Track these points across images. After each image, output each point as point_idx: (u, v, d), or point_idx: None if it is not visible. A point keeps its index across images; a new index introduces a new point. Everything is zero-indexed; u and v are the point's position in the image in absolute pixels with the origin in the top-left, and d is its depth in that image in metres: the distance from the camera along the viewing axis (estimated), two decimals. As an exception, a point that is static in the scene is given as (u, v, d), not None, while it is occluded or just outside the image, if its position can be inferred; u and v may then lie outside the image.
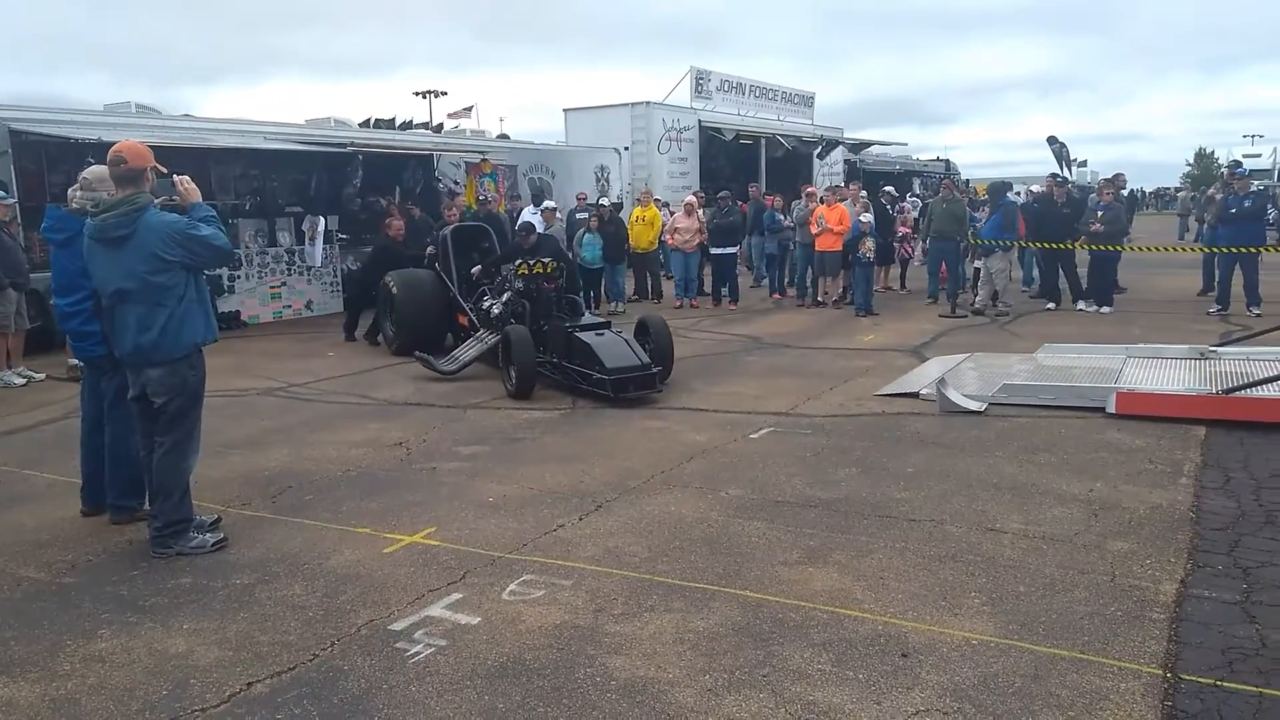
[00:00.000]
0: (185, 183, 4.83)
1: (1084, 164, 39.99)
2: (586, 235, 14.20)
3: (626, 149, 22.30)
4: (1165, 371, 8.15)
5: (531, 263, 9.34)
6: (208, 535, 4.88)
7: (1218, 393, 6.97)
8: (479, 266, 10.55)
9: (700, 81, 25.63)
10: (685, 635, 3.76)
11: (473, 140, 20.90)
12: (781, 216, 15.70)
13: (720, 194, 16.28)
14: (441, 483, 5.90)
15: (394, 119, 35.70)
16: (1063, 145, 27.46)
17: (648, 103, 22.85)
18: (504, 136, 26.33)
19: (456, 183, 17.24)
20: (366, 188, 16.67)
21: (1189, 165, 73.18)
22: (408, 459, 6.50)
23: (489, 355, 9.16)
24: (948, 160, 39.78)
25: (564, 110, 23.87)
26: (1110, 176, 16.51)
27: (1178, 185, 57.86)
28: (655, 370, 8.14)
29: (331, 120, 18.01)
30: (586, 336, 8.31)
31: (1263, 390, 6.91)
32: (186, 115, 16.10)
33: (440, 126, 31.91)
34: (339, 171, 16.32)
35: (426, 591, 4.24)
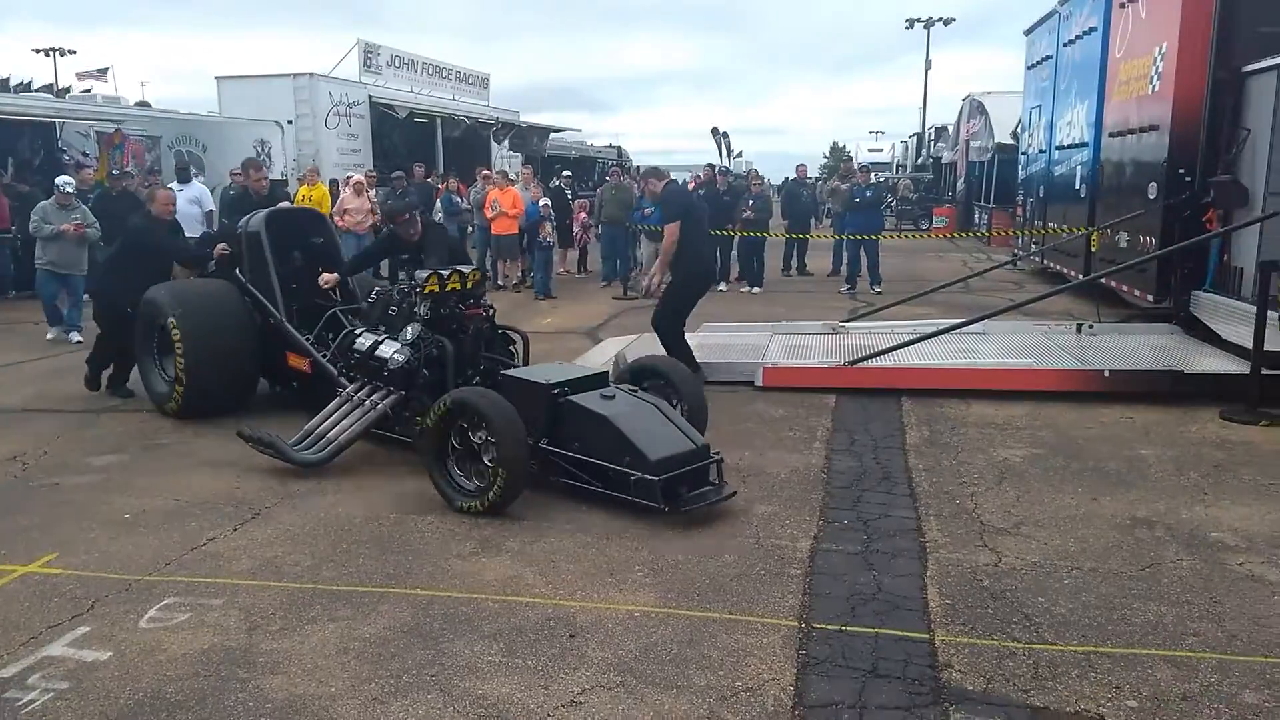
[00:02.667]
0: None
1: (740, 154, 43.36)
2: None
3: (290, 123, 20.91)
4: (804, 346, 9.04)
5: (445, 274, 5.95)
6: None
7: (846, 364, 7.85)
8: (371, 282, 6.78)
9: (369, 55, 24.62)
10: (350, 644, 3.59)
11: (106, 107, 18.57)
12: (458, 199, 15.54)
13: (394, 174, 15.78)
14: (66, 500, 5.19)
15: (8, 79, 31.01)
16: (724, 136, 29.60)
17: (312, 74, 21.53)
18: (144, 104, 23.71)
19: (85, 155, 15.25)
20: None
21: (826, 158, 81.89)
22: (23, 475, 5.66)
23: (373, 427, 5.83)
24: (619, 147, 41.40)
25: (217, 78, 21.88)
26: (749, 171, 18.00)
27: (818, 176, 64.56)
28: (717, 457, 5.16)
29: (-82, 77, 15.19)
30: (591, 402, 5.16)
31: (882, 360, 7.87)
32: None
33: (66, 90, 28.08)
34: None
35: (45, 629, 3.71)
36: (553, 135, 35.67)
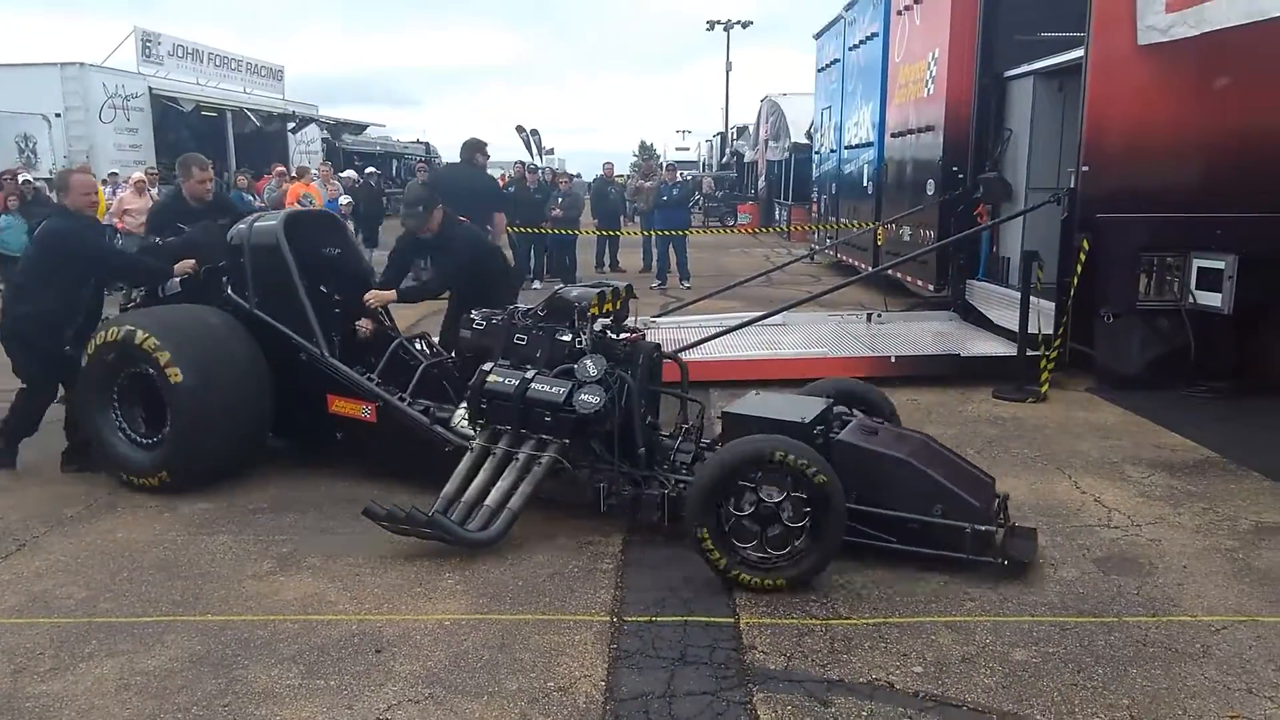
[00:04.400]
0: None
1: (551, 151, 43.30)
2: (4, 218, 11.94)
3: (59, 116, 19.19)
4: (616, 342, 9.14)
5: (608, 291, 5.19)
6: None
7: (656, 359, 7.99)
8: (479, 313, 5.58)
9: (148, 44, 22.91)
10: (132, 680, 3.33)
11: None
12: (251, 198, 14.73)
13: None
14: None
15: None
16: (531, 133, 29.45)
17: (82, 64, 19.83)
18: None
19: None
20: None
21: (635, 156, 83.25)
22: None
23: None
24: (427, 143, 40.46)
25: (-32, 66, 19.81)
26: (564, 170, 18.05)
27: (627, 174, 65.51)
28: (1005, 494, 4.49)
29: None
30: (865, 440, 4.39)
31: (690, 354, 8.05)
32: None
33: None
34: None
35: None
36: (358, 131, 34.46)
